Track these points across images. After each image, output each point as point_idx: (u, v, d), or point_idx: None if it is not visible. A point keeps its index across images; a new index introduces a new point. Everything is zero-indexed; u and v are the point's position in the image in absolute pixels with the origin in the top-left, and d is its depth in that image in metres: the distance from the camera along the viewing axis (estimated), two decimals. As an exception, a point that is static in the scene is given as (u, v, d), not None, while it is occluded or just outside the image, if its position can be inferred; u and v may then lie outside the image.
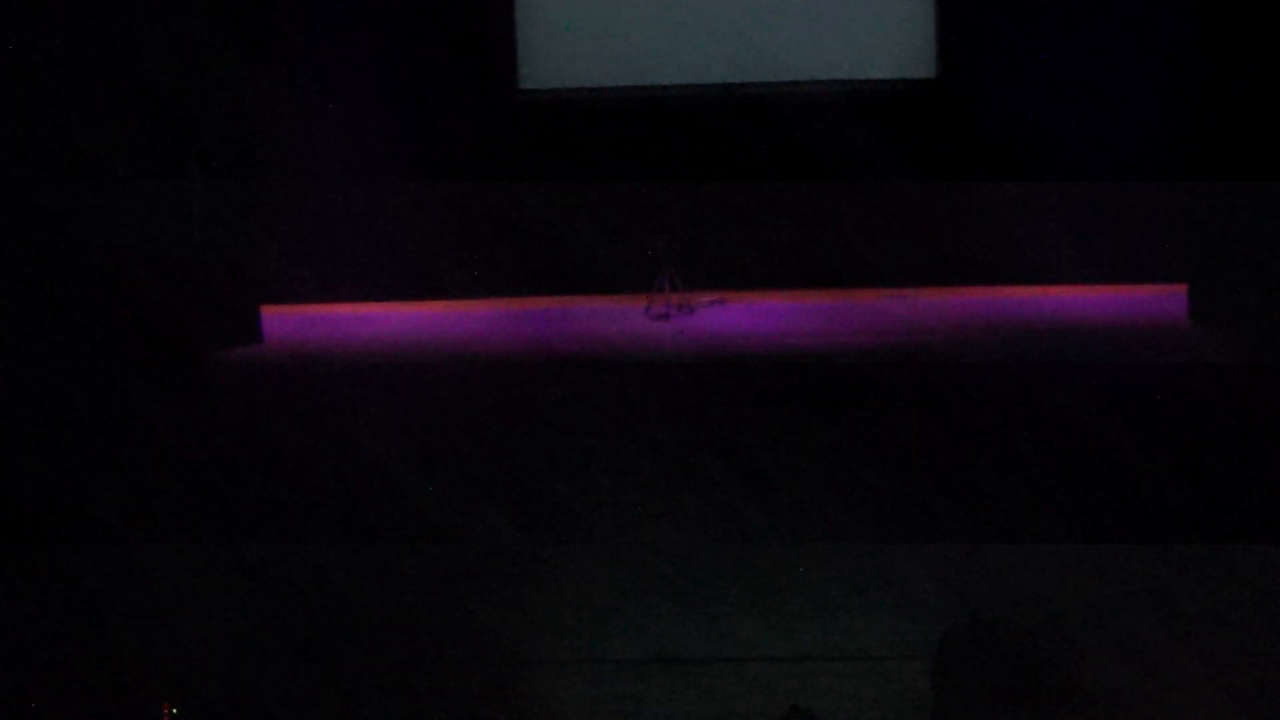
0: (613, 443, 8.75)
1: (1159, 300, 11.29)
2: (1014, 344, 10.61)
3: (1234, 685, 6.17)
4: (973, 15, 11.51)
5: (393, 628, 6.94)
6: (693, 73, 11.83)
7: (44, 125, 10.28)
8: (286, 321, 11.63)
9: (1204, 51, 11.10)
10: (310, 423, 9.10)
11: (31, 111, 10.24)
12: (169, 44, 10.85)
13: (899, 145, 11.38)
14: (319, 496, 8.27)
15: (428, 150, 11.65)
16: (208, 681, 6.30)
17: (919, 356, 10.37)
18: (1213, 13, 11.04)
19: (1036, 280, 11.58)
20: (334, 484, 8.39)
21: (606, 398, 9.39)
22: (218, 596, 7.16)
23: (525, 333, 11.35)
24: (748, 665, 6.56)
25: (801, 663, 6.59)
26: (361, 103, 11.59)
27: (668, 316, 11.50)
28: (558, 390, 9.74)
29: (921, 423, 8.94)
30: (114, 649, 6.58)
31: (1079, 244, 11.40)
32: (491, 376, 10.19)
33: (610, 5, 11.87)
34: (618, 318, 11.63)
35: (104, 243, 10.36)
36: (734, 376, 10.05)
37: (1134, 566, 7.17)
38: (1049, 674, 6.10)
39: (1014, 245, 11.48)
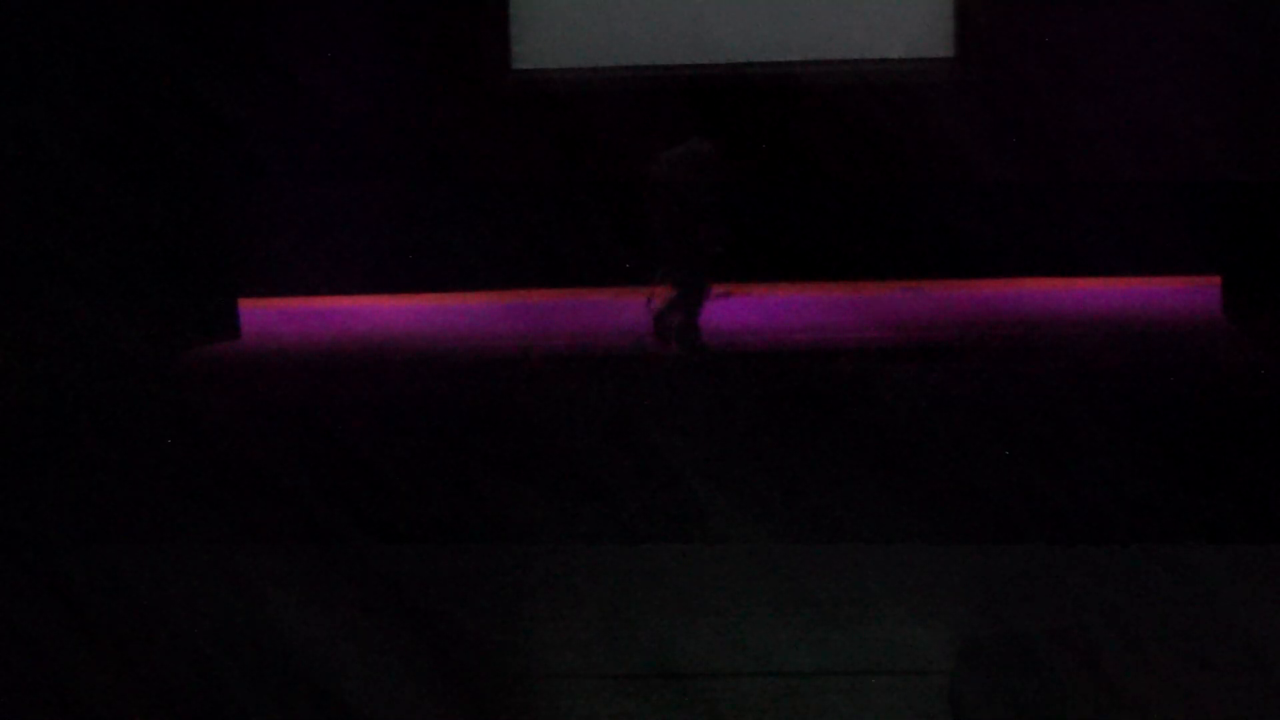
0: (610, 440, 8.50)
1: (1191, 293, 11.08)
2: (1033, 339, 10.43)
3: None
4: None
5: (372, 633, 6.55)
6: (698, 51, 11.56)
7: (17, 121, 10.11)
8: (266, 316, 11.39)
9: (1239, 34, 10.83)
10: (290, 421, 8.95)
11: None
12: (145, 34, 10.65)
13: (916, 129, 11.18)
14: (299, 496, 8.07)
15: (415, 136, 11.44)
16: (194, 687, 6.07)
17: (936, 352, 10.19)
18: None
19: (1059, 272, 11.36)
20: (315, 483, 8.18)
21: (604, 395, 9.21)
22: (201, 599, 6.92)
23: (517, 328, 11.08)
24: (759, 680, 6.13)
25: (820, 677, 6.13)
26: (344, 84, 11.38)
27: (670, 309, 11.17)
28: (552, 387, 9.56)
29: (941, 417, 8.71)
30: (106, 650, 6.33)
31: (1105, 233, 11.19)
32: (482, 372, 10.06)
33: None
34: (616, 311, 11.06)
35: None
36: (740, 372, 9.82)
37: (1157, 569, 6.89)
38: (1075, 688, 5.73)
39: (1035, 235, 11.29)
